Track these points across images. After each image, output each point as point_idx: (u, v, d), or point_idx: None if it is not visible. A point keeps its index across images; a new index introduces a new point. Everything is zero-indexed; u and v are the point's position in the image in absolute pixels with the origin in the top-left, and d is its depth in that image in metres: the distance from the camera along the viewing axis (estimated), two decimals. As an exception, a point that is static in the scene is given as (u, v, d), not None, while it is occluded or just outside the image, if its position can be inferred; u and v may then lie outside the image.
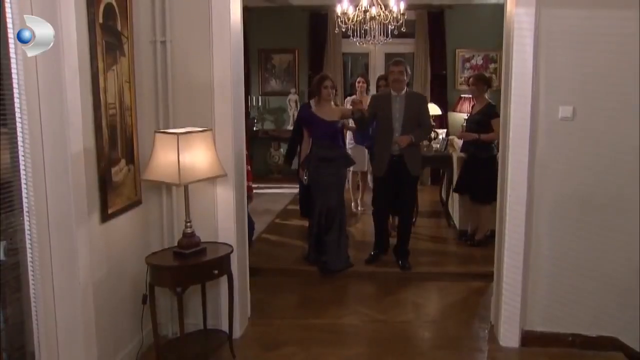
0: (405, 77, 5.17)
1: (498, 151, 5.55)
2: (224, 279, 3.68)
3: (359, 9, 6.39)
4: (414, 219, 6.13)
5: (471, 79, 6.13)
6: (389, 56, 9.54)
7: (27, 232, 2.77)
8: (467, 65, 9.32)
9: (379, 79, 6.95)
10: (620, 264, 3.73)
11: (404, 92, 5.18)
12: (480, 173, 5.70)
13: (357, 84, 6.87)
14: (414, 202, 5.59)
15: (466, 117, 6.39)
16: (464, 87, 8.75)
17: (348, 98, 6.72)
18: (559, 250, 3.80)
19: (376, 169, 5.41)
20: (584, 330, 3.84)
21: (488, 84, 6.01)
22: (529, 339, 3.89)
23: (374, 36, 6.78)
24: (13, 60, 2.61)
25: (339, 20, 6.51)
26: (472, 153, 5.89)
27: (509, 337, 3.90)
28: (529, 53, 3.61)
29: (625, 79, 3.57)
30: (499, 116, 5.33)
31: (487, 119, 5.70)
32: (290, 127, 9.46)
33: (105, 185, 3.22)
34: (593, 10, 3.56)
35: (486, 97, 5.93)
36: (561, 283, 3.83)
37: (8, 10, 2.56)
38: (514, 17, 3.64)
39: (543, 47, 3.62)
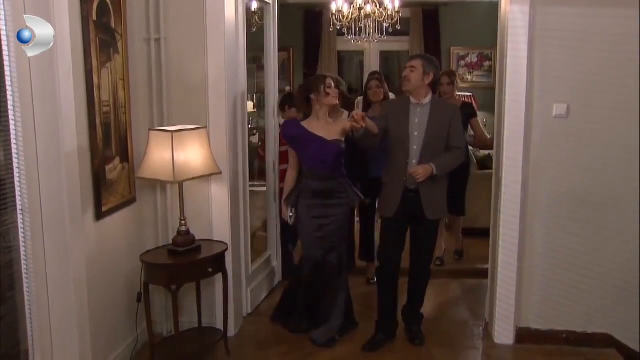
0: (420, 77, 3.61)
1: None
2: (218, 277, 3.68)
3: (353, 7, 6.38)
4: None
5: (445, 77, 5.14)
6: (383, 54, 9.56)
7: (20, 229, 2.76)
8: (462, 63, 9.32)
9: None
10: (614, 262, 3.75)
11: (427, 99, 3.66)
12: (462, 181, 5.16)
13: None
14: (432, 251, 4.03)
15: None
16: (461, 85, 8.70)
17: (358, 99, 5.40)
18: (553, 248, 3.81)
19: (383, 207, 3.87)
20: (578, 328, 3.86)
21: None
22: (523, 336, 3.90)
23: (368, 34, 6.76)
24: (6, 57, 2.59)
25: (334, 18, 6.49)
26: None
27: (504, 334, 3.91)
28: (524, 51, 3.62)
29: (620, 77, 3.59)
30: (477, 115, 5.14)
31: (467, 119, 5.01)
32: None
33: (99, 183, 3.20)
34: (587, 8, 3.57)
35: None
36: (555, 280, 3.84)
37: (1, 6, 2.54)
38: (509, 14, 3.65)
39: (537, 45, 3.63)
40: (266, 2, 4.67)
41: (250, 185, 4.39)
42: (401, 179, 3.65)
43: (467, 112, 5.05)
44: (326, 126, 3.83)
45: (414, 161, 3.61)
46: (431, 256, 4.00)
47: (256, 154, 5.81)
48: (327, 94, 3.79)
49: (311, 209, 3.85)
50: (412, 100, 3.67)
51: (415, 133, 3.62)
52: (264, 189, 4.93)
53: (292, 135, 3.90)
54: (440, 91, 5.06)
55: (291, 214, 3.93)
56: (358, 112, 3.71)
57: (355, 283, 4.75)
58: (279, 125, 4.71)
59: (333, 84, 3.86)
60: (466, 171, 5.20)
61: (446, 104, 3.98)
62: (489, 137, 5.39)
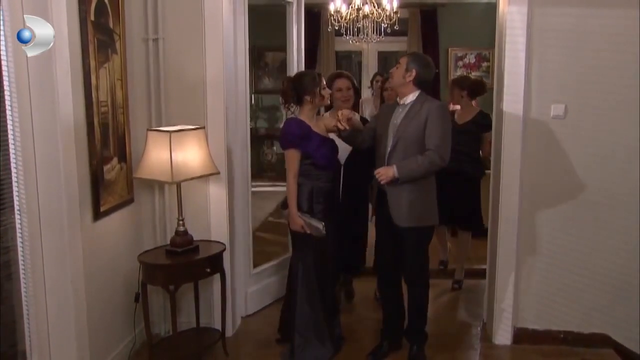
0: (402, 74, 3.43)
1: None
2: (216, 277, 3.68)
3: (352, 7, 6.38)
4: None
5: (452, 82, 4.96)
6: (382, 54, 9.57)
7: (18, 230, 2.75)
8: (460, 63, 9.34)
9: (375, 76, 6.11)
10: (612, 262, 3.75)
11: (410, 99, 3.46)
12: (473, 195, 4.86)
13: (374, 84, 5.88)
14: (419, 265, 3.62)
15: None
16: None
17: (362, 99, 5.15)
18: (551, 248, 3.82)
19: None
20: (575, 328, 3.86)
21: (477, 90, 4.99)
22: (521, 336, 3.90)
23: (366, 34, 6.77)
24: (4, 58, 2.58)
25: (332, 18, 6.50)
26: (463, 171, 4.69)
27: (502, 334, 3.92)
28: (522, 51, 3.62)
29: (618, 77, 3.59)
30: (491, 129, 4.32)
31: (481, 130, 4.76)
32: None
33: (97, 183, 3.20)
34: (585, 9, 3.57)
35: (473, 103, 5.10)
36: (553, 281, 3.85)
37: (-1, 7, 2.54)
38: (507, 15, 3.65)
39: (535, 46, 3.63)
40: (288, 2, 4.67)
41: (260, 186, 4.16)
42: (376, 181, 3.48)
43: (482, 124, 4.73)
44: (317, 125, 3.63)
45: (385, 163, 3.43)
46: (420, 270, 3.62)
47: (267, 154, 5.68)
48: (323, 97, 3.58)
49: (325, 213, 3.57)
50: (399, 101, 3.52)
51: (391, 134, 3.45)
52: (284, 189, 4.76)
53: (302, 134, 3.51)
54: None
55: (323, 223, 3.49)
56: (345, 111, 3.48)
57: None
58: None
59: (324, 83, 3.64)
60: (476, 182, 4.87)
61: (429, 102, 3.46)
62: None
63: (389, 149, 3.44)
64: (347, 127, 3.41)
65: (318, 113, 3.85)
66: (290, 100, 3.62)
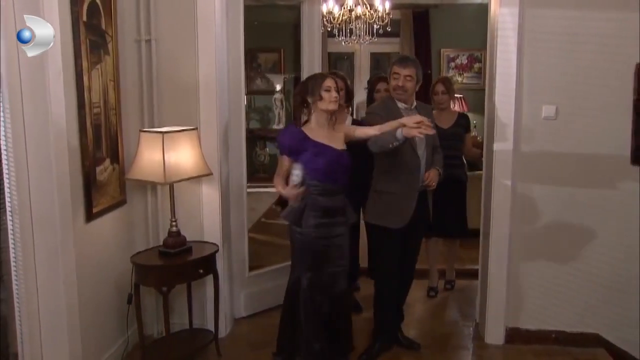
0: (415, 86, 3.59)
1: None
2: (209, 278, 3.67)
3: (344, 8, 6.40)
4: None
5: (440, 84, 4.73)
6: (374, 56, 9.59)
7: (10, 231, 2.74)
8: (452, 64, 9.36)
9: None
10: (604, 262, 3.78)
11: (415, 104, 3.67)
12: (462, 199, 4.82)
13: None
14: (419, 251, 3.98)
15: None
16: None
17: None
18: (542, 249, 3.84)
19: (389, 219, 3.55)
20: (567, 327, 3.89)
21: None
22: (513, 336, 3.92)
23: (359, 35, 6.78)
24: (-4, 59, 2.58)
25: (325, 19, 6.51)
26: (456, 175, 4.60)
27: (494, 334, 3.93)
28: (513, 53, 3.65)
29: (608, 78, 3.62)
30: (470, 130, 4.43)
31: (463, 132, 4.77)
32: (276, 127, 9.44)
33: (89, 184, 3.19)
34: (576, 10, 3.60)
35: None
36: (545, 281, 3.87)
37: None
38: (498, 17, 3.67)
39: (527, 47, 3.66)
40: (302, 0, 4.67)
41: (253, 187, 4.10)
42: (414, 187, 3.54)
43: (466, 125, 4.81)
44: (330, 134, 3.30)
45: (422, 168, 3.57)
46: (417, 259, 3.92)
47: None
48: (321, 98, 3.22)
49: (319, 228, 3.27)
50: (400, 104, 3.57)
51: (417, 139, 3.38)
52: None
53: (293, 145, 3.27)
54: (435, 100, 4.73)
55: (298, 171, 3.25)
56: (418, 117, 3.19)
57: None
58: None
59: (334, 86, 3.25)
60: (464, 185, 4.84)
61: (424, 106, 3.79)
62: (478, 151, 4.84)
63: (420, 152, 3.57)
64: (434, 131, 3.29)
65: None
66: (299, 108, 3.33)
